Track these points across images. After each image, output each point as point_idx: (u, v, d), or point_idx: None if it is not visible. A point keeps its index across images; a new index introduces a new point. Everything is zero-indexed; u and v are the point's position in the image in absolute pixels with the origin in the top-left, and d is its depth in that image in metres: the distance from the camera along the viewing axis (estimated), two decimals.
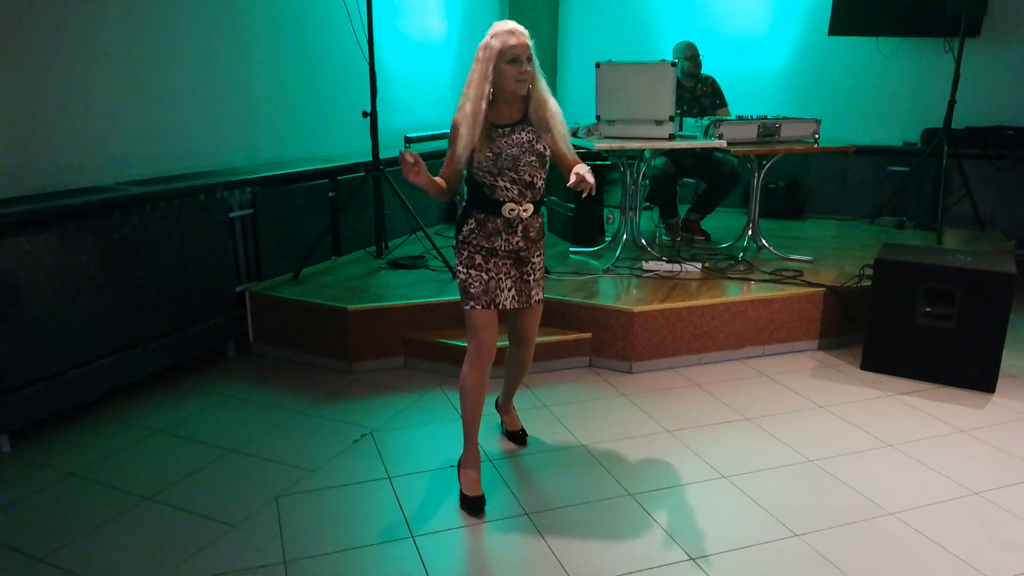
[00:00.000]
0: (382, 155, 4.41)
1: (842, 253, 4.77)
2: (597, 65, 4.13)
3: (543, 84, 2.47)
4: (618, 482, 2.71)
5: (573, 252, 4.76)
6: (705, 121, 4.47)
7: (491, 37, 2.37)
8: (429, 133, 5.85)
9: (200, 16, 3.96)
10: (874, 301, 3.66)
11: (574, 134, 4.49)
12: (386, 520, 2.48)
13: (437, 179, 2.51)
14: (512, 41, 2.35)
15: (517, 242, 2.53)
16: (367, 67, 4.16)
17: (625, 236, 4.57)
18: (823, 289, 3.95)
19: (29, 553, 2.30)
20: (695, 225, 5.21)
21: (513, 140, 2.45)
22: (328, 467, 2.81)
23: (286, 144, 4.68)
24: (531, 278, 2.60)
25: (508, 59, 2.35)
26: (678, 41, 5.15)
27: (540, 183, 2.52)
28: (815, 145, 4.46)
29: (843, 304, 3.97)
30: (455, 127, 2.43)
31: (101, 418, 3.20)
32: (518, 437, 3.02)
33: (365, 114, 4.22)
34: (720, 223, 5.47)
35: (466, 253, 2.53)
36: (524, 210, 2.49)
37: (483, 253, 2.52)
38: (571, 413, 3.26)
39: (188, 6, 3.89)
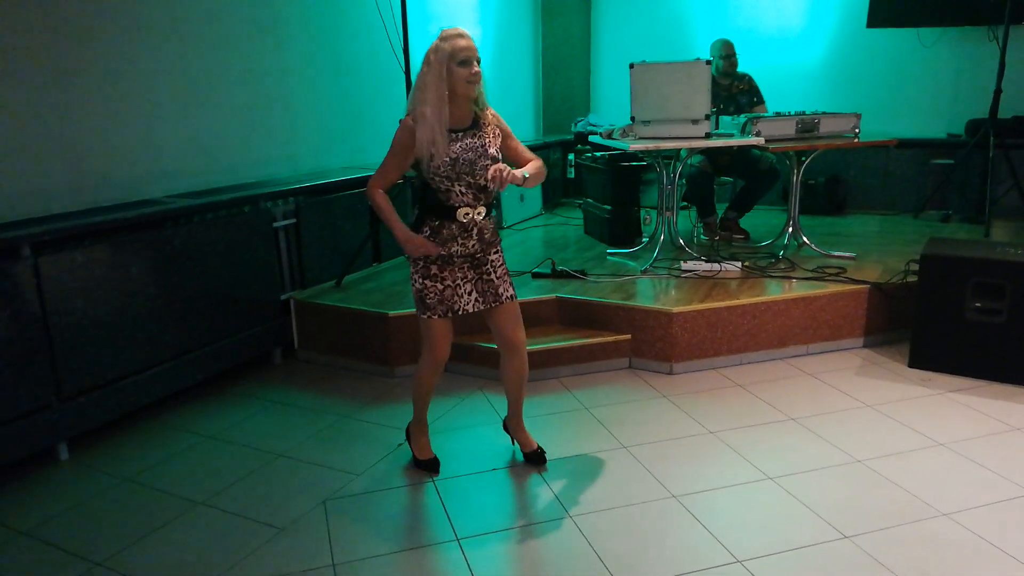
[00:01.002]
0: None
1: (886, 249, 4.68)
2: (631, 66, 4.12)
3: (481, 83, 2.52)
4: (661, 484, 2.70)
5: (610, 253, 4.75)
6: (742, 118, 4.43)
7: (441, 40, 2.42)
8: None
9: (243, 31, 4.06)
10: (921, 297, 3.58)
11: (608, 136, 4.49)
12: (431, 523, 2.51)
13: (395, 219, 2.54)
14: (462, 43, 2.41)
15: (472, 245, 2.56)
16: (403, 76, 4.21)
17: (663, 236, 4.55)
18: (867, 286, 3.89)
19: (86, 557, 2.38)
20: (733, 223, 5.16)
21: (468, 144, 2.48)
22: (374, 471, 2.85)
23: (326, 154, 4.76)
24: (493, 276, 2.62)
25: (459, 61, 2.40)
26: (714, 39, 5.11)
27: (492, 187, 2.51)
28: (856, 140, 4.39)
29: (888, 301, 3.90)
30: (407, 131, 2.44)
31: (154, 424, 3.30)
32: (536, 457, 2.87)
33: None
34: (759, 221, 5.41)
35: (421, 263, 2.56)
36: (478, 213, 2.53)
37: (438, 262, 2.55)
38: (612, 415, 3.26)
39: (232, 23, 3.99)
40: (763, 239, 5.00)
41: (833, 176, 5.97)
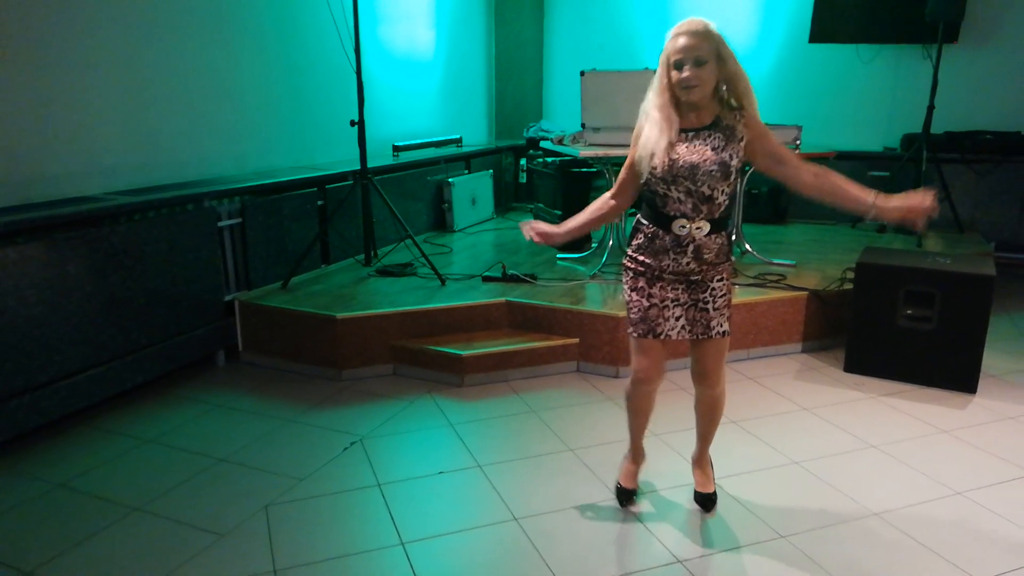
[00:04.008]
0: (370, 164, 4.44)
1: (824, 257, 4.83)
2: (582, 74, 4.18)
3: (738, 80, 2.19)
4: (606, 487, 2.73)
5: (560, 258, 4.79)
6: None
7: (667, 38, 2.18)
8: (418, 141, 5.89)
9: (188, 26, 3.97)
10: (856, 304, 3.71)
11: (559, 142, 4.54)
12: (376, 528, 2.49)
13: (585, 215, 2.46)
14: (680, 42, 2.13)
15: (687, 264, 2.27)
16: (354, 76, 4.18)
17: (611, 242, 4.62)
18: (806, 293, 4.01)
19: (16, 566, 2.29)
20: None
21: (695, 147, 2.21)
22: (318, 475, 2.82)
23: (274, 153, 4.69)
24: (709, 306, 2.32)
25: (673, 63, 2.15)
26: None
27: (722, 198, 2.23)
28: (796, 151, 4.52)
29: (825, 307, 4.03)
30: (637, 130, 2.28)
31: (90, 428, 3.19)
32: (704, 500, 2.61)
33: (353, 123, 4.24)
34: None
35: (631, 274, 2.36)
36: (697, 228, 2.23)
37: (647, 276, 2.32)
38: (559, 418, 3.29)
39: (176, 16, 3.90)
40: None
41: (776, 186, 6.13)
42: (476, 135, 7.12)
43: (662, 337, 2.36)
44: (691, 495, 2.66)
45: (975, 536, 2.44)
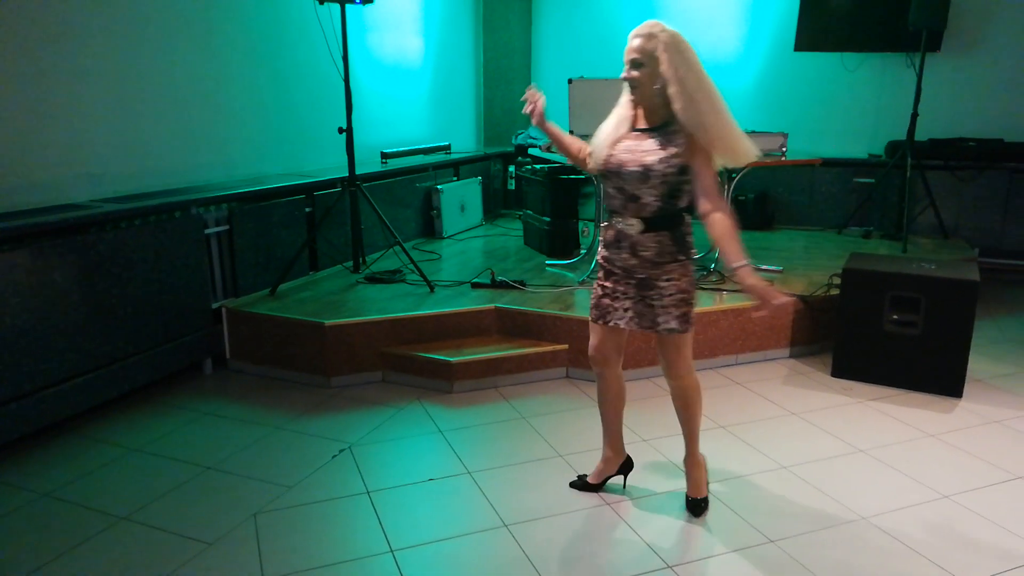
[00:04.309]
0: (358, 171, 4.43)
1: (811, 263, 4.86)
2: (570, 81, 4.20)
3: (687, 87, 2.18)
4: (596, 492, 2.73)
5: (549, 265, 4.80)
6: None
7: None
8: (406, 148, 5.89)
9: (176, 32, 3.96)
10: (842, 309, 3.74)
11: (547, 149, 4.55)
12: (365, 535, 2.48)
13: (566, 137, 2.61)
14: (629, 44, 2.26)
15: (626, 259, 2.37)
16: (343, 83, 4.18)
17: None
18: (793, 298, 4.03)
19: None
20: None
21: (632, 146, 2.29)
22: (306, 483, 2.80)
23: (262, 160, 4.68)
24: (657, 303, 2.36)
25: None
26: None
27: (649, 199, 2.28)
28: (783, 158, 4.56)
29: (813, 313, 4.06)
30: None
31: (76, 437, 3.16)
32: (694, 505, 2.61)
33: (341, 130, 4.24)
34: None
35: (599, 264, 2.52)
36: (629, 225, 2.33)
37: (606, 268, 2.47)
38: (548, 424, 3.29)
39: (164, 22, 3.88)
40: (695, 252, 5.12)
41: (762, 193, 6.18)
42: (465, 142, 7.13)
43: (611, 324, 2.48)
44: (682, 500, 2.66)
45: (963, 540, 2.45)
